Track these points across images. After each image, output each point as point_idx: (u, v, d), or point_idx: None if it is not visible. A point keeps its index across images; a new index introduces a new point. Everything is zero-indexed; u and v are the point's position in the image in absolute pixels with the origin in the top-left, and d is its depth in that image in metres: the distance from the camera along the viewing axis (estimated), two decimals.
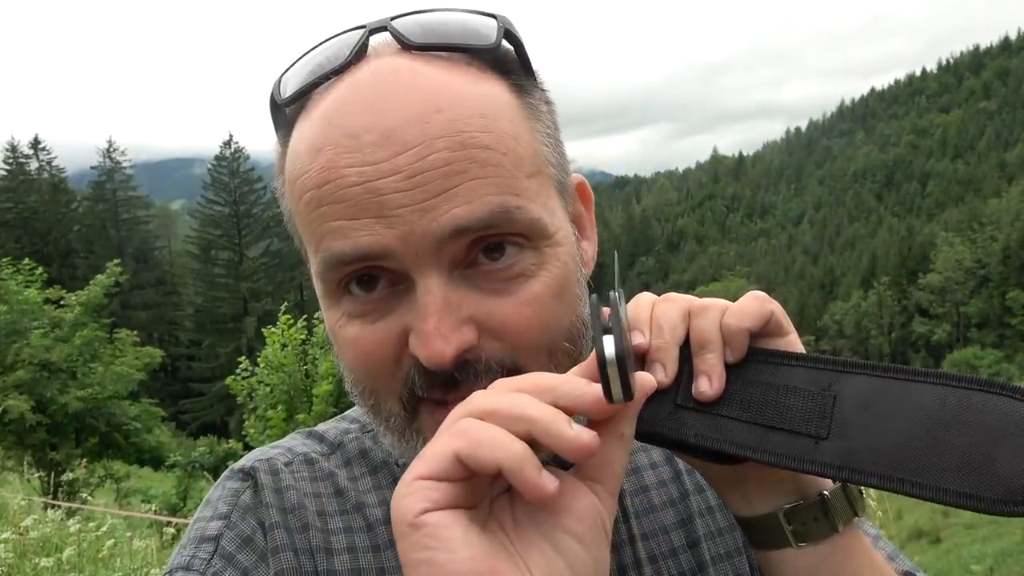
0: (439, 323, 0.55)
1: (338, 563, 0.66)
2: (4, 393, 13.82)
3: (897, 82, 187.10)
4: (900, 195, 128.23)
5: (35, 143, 62.57)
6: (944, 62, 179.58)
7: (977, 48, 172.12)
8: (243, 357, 9.78)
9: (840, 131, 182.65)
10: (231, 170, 64.99)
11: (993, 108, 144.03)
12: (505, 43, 0.61)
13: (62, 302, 15.73)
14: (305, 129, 0.60)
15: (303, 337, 9.21)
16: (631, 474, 0.74)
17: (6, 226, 57.15)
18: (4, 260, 15.90)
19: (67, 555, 5.17)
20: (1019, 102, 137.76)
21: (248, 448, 9.19)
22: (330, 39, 0.62)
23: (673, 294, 0.58)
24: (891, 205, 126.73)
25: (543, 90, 0.64)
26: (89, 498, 11.71)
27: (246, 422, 9.19)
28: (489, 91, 0.59)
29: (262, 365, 9.07)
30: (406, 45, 0.59)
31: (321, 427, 0.77)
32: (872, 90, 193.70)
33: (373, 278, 0.58)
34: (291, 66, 0.63)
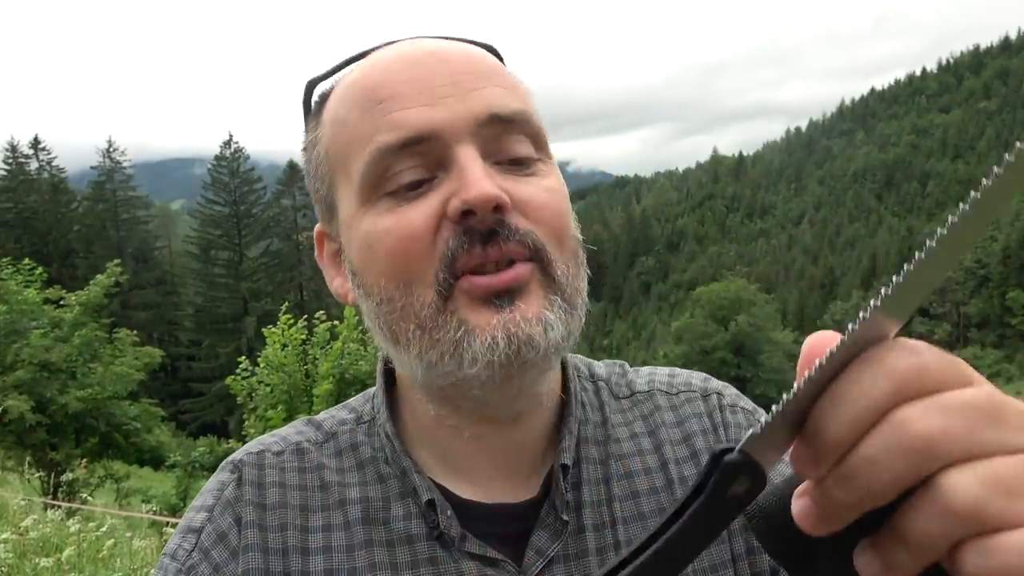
0: (482, 174, 0.61)
1: (312, 564, 0.67)
2: (4, 393, 13.82)
3: (897, 82, 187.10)
4: (900, 195, 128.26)
5: (35, 143, 62.52)
6: (944, 62, 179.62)
7: (977, 48, 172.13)
8: (243, 357, 9.78)
9: (840, 131, 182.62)
10: (231, 170, 64.98)
11: (993, 108, 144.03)
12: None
13: (62, 302, 15.72)
14: (352, 76, 0.68)
15: (303, 337, 9.21)
16: (618, 459, 0.74)
17: (6, 226, 57.11)
18: (4, 260, 15.90)
19: (67, 555, 5.17)
20: (1019, 102, 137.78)
21: None
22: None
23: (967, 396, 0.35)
24: (891, 205, 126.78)
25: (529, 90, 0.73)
26: (89, 498, 11.71)
27: (246, 422, 9.20)
28: (498, 62, 0.71)
29: (262, 365, 9.07)
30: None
31: (321, 415, 0.79)
32: (872, 90, 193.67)
33: (411, 181, 0.63)
34: (326, 70, 0.73)
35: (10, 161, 60.82)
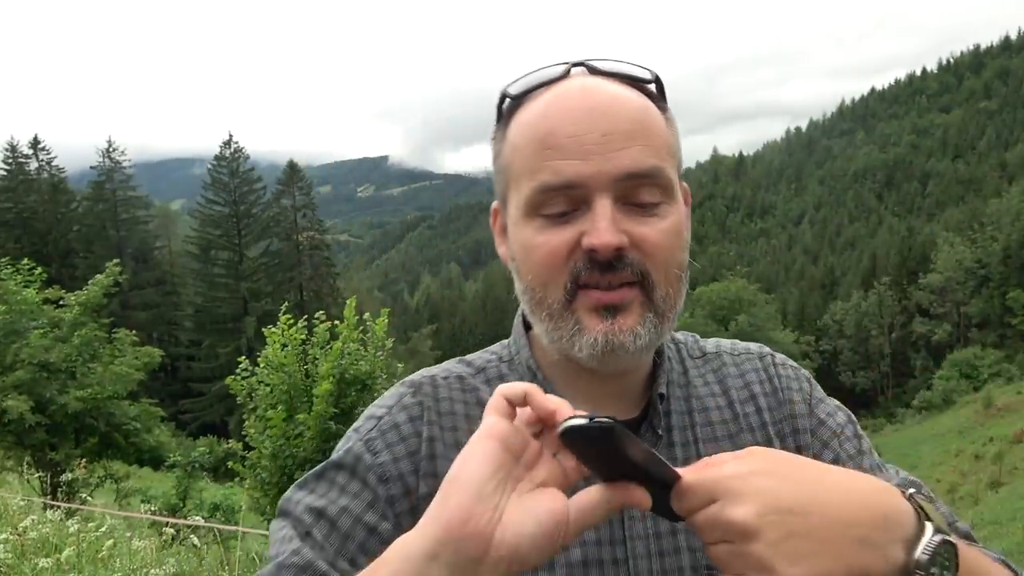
0: (609, 225, 0.80)
1: None
2: (3, 393, 13.79)
3: (897, 82, 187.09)
4: (900, 195, 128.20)
5: (35, 143, 62.35)
6: (944, 62, 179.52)
7: (977, 48, 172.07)
8: (243, 357, 9.73)
9: (840, 131, 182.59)
10: (231, 170, 64.88)
11: (993, 108, 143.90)
12: (653, 86, 0.90)
13: (61, 302, 15.67)
14: (536, 107, 0.87)
15: (303, 337, 9.18)
16: (696, 398, 0.97)
17: (6, 226, 56.96)
18: (4, 260, 15.83)
19: (66, 555, 5.15)
20: (1019, 102, 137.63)
21: (248, 448, 9.18)
22: (546, 67, 0.89)
23: None
24: (891, 205, 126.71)
25: (673, 117, 0.92)
26: (88, 498, 11.69)
27: (246, 422, 9.17)
28: (647, 103, 0.87)
29: (262, 365, 9.04)
30: (595, 71, 0.88)
31: (470, 356, 1.02)
32: (872, 90, 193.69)
33: (560, 206, 0.83)
34: (516, 80, 0.90)
35: (10, 161, 60.69)
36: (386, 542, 0.70)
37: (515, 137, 0.88)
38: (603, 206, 0.81)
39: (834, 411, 0.99)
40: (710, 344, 1.05)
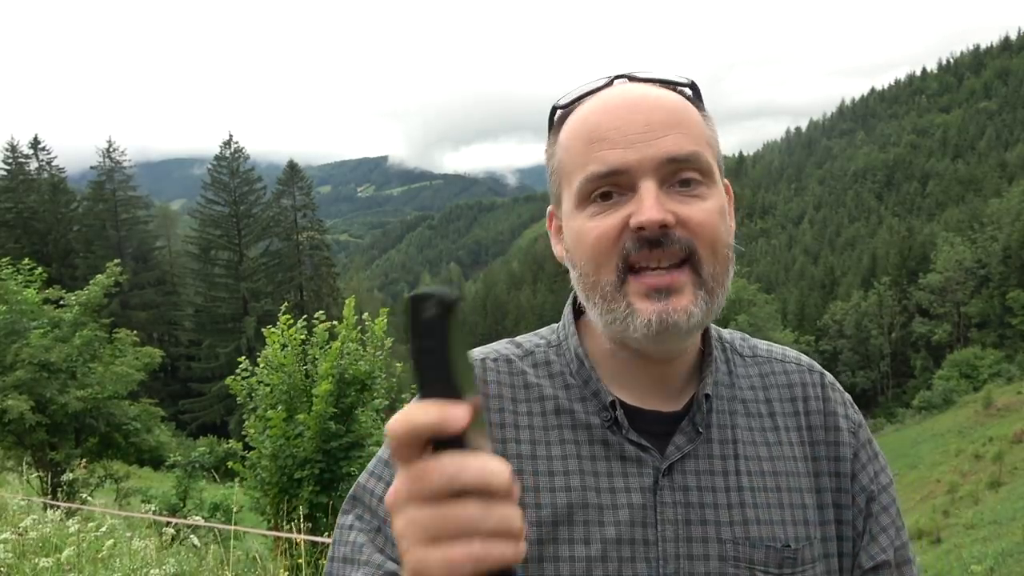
0: (654, 203, 0.85)
1: (519, 434, 0.94)
2: (4, 393, 13.78)
3: (897, 82, 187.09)
4: (900, 195, 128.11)
5: (35, 143, 62.36)
6: (944, 62, 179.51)
7: (977, 48, 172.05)
8: (243, 357, 9.73)
9: (840, 131, 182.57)
10: (231, 170, 64.86)
11: (993, 108, 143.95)
12: (690, 91, 0.96)
13: (61, 302, 15.68)
14: (581, 111, 0.94)
15: (303, 337, 9.18)
16: (740, 401, 1.00)
17: (6, 226, 56.93)
18: (4, 260, 15.81)
19: (66, 555, 5.15)
20: (1019, 102, 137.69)
21: (248, 448, 9.18)
22: (588, 82, 0.97)
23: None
24: (891, 205, 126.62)
25: (711, 118, 0.97)
26: (89, 498, 11.68)
27: (246, 422, 9.16)
28: (686, 103, 0.93)
29: (262, 365, 9.04)
30: (636, 79, 0.95)
31: (520, 338, 1.06)
32: (872, 90, 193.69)
33: (608, 195, 0.89)
34: (564, 95, 0.98)
35: (10, 161, 60.68)
36: None
37: (565, 139, 0.95)
38: (648, 188, 0.86)
39: (875, 458, 1.01)
40: (762, 346, 1.07)
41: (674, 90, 0.95)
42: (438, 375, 0.52)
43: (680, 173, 0.88)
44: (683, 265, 0.88)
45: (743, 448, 0.96)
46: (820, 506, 0.96)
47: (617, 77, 0.95)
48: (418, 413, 0.51)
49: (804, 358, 1.07)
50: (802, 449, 0.98)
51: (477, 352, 1.02)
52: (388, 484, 0.87)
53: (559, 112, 0.98)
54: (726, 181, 0.98)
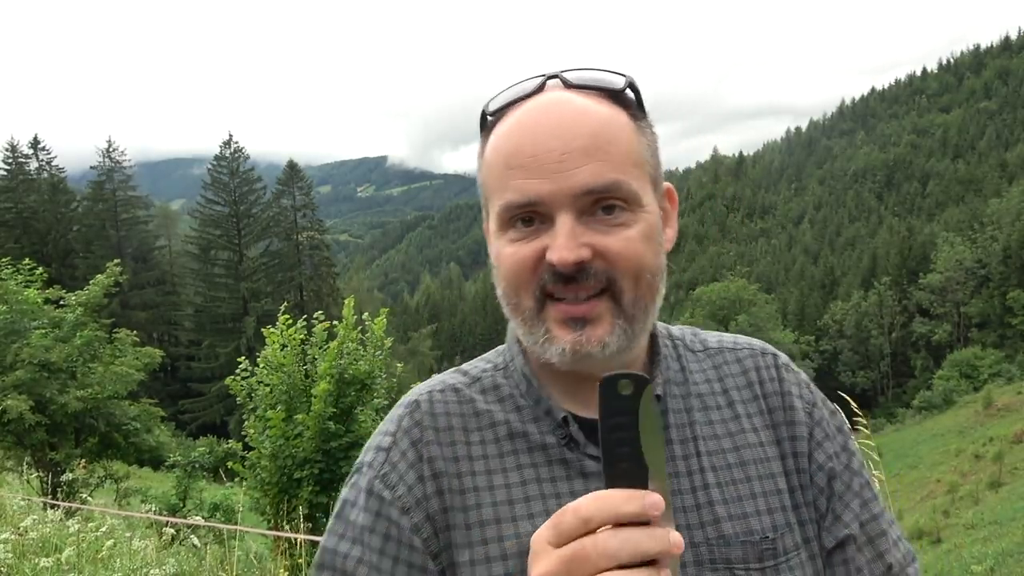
0: (567, 241, 0.83)
1: (474, 466, 0.92)
2: (4, 393, 13.78)
3: (897, 82, 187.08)
4: (900, 195, 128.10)
5: (35, 143, 62.38)
6: (944, 62, 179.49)
7: (977, 48, 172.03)
8: (243, 357, 9.72)
9: (840, 131, 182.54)
10: (231, 170, 64.88)
11: (993, 108, 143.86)
12: (629, 91, 0.92)
13: (61, 302, 15.67)
14: (505, 126, 0.91)
15: (302, 337, 9.18)
16: (696, 396, 0.98)
17: (6, 226, 56.96)
18: (4, 260, 15.81)
19: (66, 555, 5.15)
20: (1019, 102, 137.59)
21: (248, 448, 9.18)
22: (523, 81, 0.94)
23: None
24: (891, 205, 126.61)
25: (650, 123, 0.94)
26: (88, 498, 11.69)
27: (246, 422, 9.16)
28: (614, 114, 0.89)
29: (261, 365, 9.03)
30: (568, 84, 0.90)
31: (466, 365, 1.04)
32: (872, 90, 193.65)
33: (529, 220, 0.87)
34: (495, 96, 0.94)
35: (10, 161, 60.69)
36: (423, 569, 0.85)
37: (489, 155, 0.92)
38: (563, 223, 0.84)
39: (835, 435, 1.00)
40: (712, 338, 1.06)
41: (607, 95, 0.91)
42: (628, 454, 0.54)
43: (600, 203, 0.86)
44: (603, 294, 0.86)
45: (704, 444, 0.94)
46: (792, 489, 0.95)
47: (550, 78, 0.92)
48: (620, 502, 0.56)
49: (756, 342, 1.06)
50: (767, 433, 0.97)
51: (423, 386, 1.01)
52: (363, 545, 0.89)
53: (489, 118, 0.95)
54: (668, 185, 0.96)
